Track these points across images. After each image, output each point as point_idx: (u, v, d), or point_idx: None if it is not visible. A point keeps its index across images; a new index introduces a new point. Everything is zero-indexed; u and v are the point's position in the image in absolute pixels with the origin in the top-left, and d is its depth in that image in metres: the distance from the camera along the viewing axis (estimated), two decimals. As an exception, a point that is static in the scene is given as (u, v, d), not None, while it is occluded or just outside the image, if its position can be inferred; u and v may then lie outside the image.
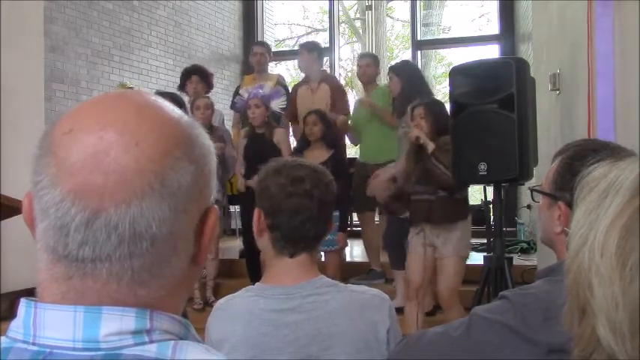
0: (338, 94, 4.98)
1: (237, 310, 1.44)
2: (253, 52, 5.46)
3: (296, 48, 7.31)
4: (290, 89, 5.42)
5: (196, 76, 5.07)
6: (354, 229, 5.83)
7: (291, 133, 5.26)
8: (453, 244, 3.34)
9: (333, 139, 4.26)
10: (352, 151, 7.07)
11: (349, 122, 4.93)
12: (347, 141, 5.41)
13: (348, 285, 1.52)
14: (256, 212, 1.44)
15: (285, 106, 4.68)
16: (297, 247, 1.43)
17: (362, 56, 5.40)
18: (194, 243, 0.66)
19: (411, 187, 3.47)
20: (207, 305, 4.36)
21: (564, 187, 1.28)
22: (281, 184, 1.40)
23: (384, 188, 3.54)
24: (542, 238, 1.43)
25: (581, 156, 1.27)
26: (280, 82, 5.38)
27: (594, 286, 0.57)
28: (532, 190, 1.41)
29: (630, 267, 0.55)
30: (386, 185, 3.54)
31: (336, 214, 4.07)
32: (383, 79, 6.05)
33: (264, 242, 1.47)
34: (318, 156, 3.99)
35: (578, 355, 0.60)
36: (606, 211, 0.59)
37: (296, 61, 5.93)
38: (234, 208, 5.82)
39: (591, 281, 0.57)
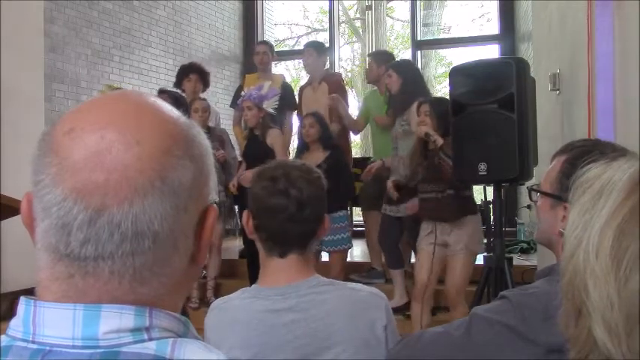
0: (337, 89, 4.99)
1: (234, 312, 1.45)
2: (256, 51, 5.44)
3: (296, 48, 7.30)
4: (293, 89, 5.43)
5: (196, 75, 5.08)
6: (355, 229, 5.83)
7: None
8: (464, 240, 3.33)
9: (329, 140, 4.26)
10: (355, 150, 7.06)
11: (357, 115, 4.96)
12: (352, 139, 5.41)
13: (345, 283, 1.52)
14: (245, 214, 1.47)
15: (277, 107, 4.67)
16: (285, 247, 1.43)
17: (367, 55, 5.39)
18: (194, 242, 0.66)
19: (418, 185, 3.47)
20: (205, 305, 4.35)
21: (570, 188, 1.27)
22: (263, 186, 1.43)
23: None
24: (539, 239, 1.42)
25: (586, 155, 1.26)
26: (283, 82, 5.38)
27: (590, 287, 0.57)
28: (535, 190, 1.40)
29: (625, 268, 0.55)
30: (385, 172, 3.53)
31: (342, 213, 4.07)
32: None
33: (257, 243, 1.48)
34: (315, 158, 3.98)
35: (575, 356, 0.60)
36: (600, 212, 0.59)
37: (296, 61, 5.93)
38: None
39: (587, 282, 0.57)
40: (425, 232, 3.47)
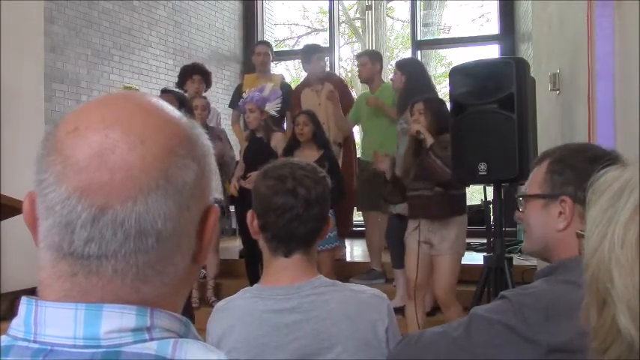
0: (341, 88, 4.99)
1: (236, 311, 1.44)
2: (256, 51, 5.43)
3: (296, 48, 7.29)
4: (292, 89, 5.43)
5: (199, 76, 5.09)
6: (354, 229, 5.83)
7: None
8: (449, 241, 3.34)
9: (323, 139, 4.26)
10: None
11: (349, 117, 4.96)
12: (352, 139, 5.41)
13: (347, 284, 1.52)
14: (249, 214, 1.47)
15: (279, 109, 4.67)
16: (290, 247, 1.43)
17: (357, 56, 5.39)
18: (195, 241, 0.67)
19: (408, 183, 3.47)
20: (207, 305, 4.35)
21: (565, 182, 1.28)
22: (268, 185, 1.43)
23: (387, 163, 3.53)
24: (531, 248, 1.37)
25: (572, 152, 1.30)
26: (282, 82, 5.38)
27: (615, 277, 0.58)
28: (525, 196, 1.37)
29: None
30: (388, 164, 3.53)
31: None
32: (388, 74, 6.05)
33: (261, 243, 1.48)
34: (308, 156, 3.97)
35: (596, 348, 0.61)
36: (624, 206, 0.59)
37: (296, 61, 5.94)
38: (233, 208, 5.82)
39: (612, 272, 0.58)
40: (411, 228, 3.47)
